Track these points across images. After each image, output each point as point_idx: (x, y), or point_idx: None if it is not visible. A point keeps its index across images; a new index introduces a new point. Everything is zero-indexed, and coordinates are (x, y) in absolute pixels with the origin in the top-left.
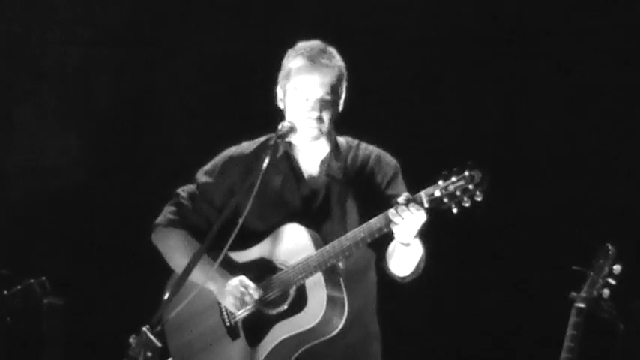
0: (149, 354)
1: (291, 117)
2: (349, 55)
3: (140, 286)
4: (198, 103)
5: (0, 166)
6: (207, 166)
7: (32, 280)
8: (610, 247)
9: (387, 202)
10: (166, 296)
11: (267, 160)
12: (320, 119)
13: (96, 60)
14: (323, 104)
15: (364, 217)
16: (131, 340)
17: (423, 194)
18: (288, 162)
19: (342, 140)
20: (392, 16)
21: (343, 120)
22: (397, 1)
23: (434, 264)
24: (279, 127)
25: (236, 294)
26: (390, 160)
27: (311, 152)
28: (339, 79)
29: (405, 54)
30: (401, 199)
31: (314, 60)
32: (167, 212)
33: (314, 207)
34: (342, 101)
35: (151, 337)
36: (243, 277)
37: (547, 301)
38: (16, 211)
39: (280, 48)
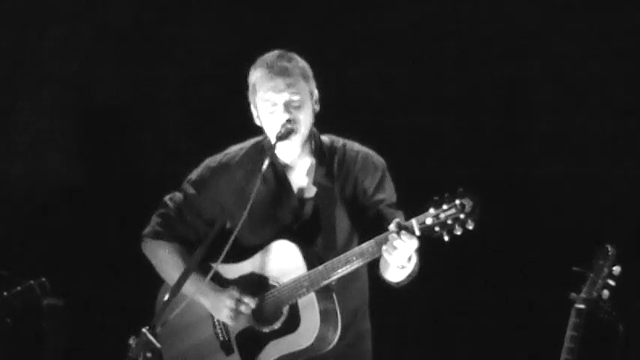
0: (149, 355)
1: (268, 130)
2: (346, 58)
3: (140, 287)
4: (197, 105)
5: (0, 166)
6: (194, 176)
7: (32, 281)
8: (610, 249)
9: (375, 207)
10: (166, 297)
11: (267, 162)
12: (293, 121)
13: (96, 60)
14: (292, 105)
15: (354, 224)
16: (131, 341)
17: (414, 222)
18: (275, 173)
19: (326, 140)
20: (389, 19)
21: (337, 126)
22: (394, 3)
23: (432, 264)
24: (280, 128)
25: (231, 305)
26: (376, 161)
27: (296, 160)
28: (304, 78)
29: (401, 58)
30: (392, 227)
31: (272, 66)
32: (155, 223)
33: (303, 218)
34: (314, 101)
35: (151, 338)
36: (236, 289)
37: (547, 302)
38: (16, 211)
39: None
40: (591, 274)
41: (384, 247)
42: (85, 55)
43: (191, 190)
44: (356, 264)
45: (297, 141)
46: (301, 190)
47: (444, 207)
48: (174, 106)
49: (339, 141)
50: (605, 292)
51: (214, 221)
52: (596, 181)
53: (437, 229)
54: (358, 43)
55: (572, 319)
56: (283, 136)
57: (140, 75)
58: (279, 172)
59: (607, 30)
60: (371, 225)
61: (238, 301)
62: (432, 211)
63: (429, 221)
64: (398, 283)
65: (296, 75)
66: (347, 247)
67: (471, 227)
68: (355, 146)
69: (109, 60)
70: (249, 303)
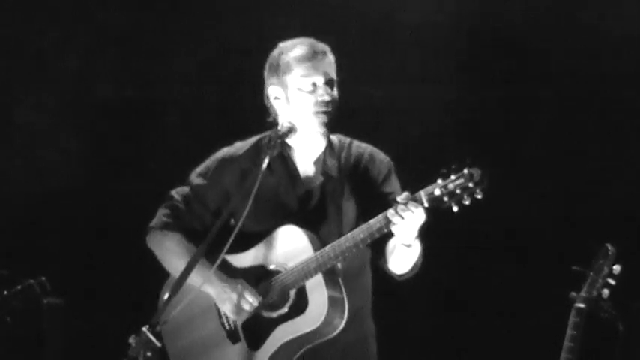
0: (149, 354)
1: (298, 110)
2: (348, 50)
3: (140, 286)
4: (198, 104)
5: (0, 166)
6: (201, 168)
7: (32, 280)
8: (610, 248)
9: (382, 200)
10: (166, 296)
11: (266, 161)
12: (333, 101)
13: (95, 60)
14: (332, 84)
15: (360, 216)
16: (131, 340)
17: (422, 193)
18: (282, 162)
19: (334, 138)
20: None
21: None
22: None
23: (433, 263)
24: (279, 127)
25: (234, 301)
26: (383, 158)
27: (305, 151)
28: (335, 63)
29: (404, 50)
30: (400, 199)
31: (313, 45)
32: (161, 215)
33: (310, 207)
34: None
35: (151, 337)
36: (242, 283)
37: (547, 301)
38: (16, 211)
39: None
40: (591, 273)
41: (392, 219)
42: (85, 54)
43: (198, 181)
44: (363, 240)
45: (327, 127)
46: (308, 180)
47: (452, 177)
48: (174, 106)
49: (347, 139)
50: (605, 291)
51: (220, 212)
52: (596, 180)
53: (446, 199)
54: (357, 40)
55: (573, 318)
56: (284, 135)
57: (140, 74)
58: (287, 160)
59: None
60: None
61: (242, 297)
62: (440, 182)
63: (437, 192)
64: (401, 276)
65: (332, 57)
66: None
67: (479, 197)
68: (363, 144)
69: (109, 59)
70: (253, 302)
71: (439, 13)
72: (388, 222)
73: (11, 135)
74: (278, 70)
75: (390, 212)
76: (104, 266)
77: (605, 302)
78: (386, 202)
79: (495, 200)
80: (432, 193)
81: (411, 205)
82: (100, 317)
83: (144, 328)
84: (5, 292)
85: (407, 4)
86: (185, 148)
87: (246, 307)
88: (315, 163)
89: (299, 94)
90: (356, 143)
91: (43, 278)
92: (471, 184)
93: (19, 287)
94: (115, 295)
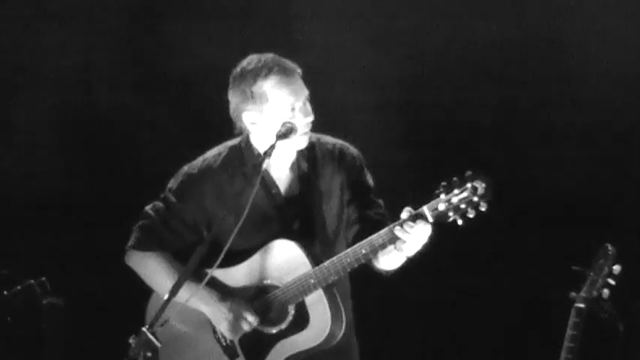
0: (149, 354)
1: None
2: (344, 53)
3: (140, 286)
4: (196, 107)
5: (0, 166)
6: (175, 185)
7: (32, 281)
8: (610, 248)
9: (359, 197)
10: (166, 296)
11: (267, 161)
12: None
13: (95, 60)
14: (308, 101)
15: (341, 215)
16: (131, 340)
17: (425, 209)
18: (258, 174)
19: None
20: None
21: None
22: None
23: (433, 264)
24: (280, 127)
25: (232, 321)
26: (352, 152)
27: (280, 160)
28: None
29: (400, 54)
30: (404, 215)
31: (284, 68)
32: (139, 234)
33: (292, 216)
34: None
35: (151, 337)
36: (238, 301)
37: (547, 301)
38: (15, 211)
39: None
40: (591, 273)
41: (400, 236)
42: (85, 54)
43: (173, 199)
44: (365, 256)
45: (307, 139)
46: (287, 189)
47: (456, 191)
48: (173, 106)
49: (313, 135)
50: (606, 292)
51: (198, 228)
52: (596, 180)
53: (450, 214)
54: (353, 40)
55: (573, 319)
56: (283, 135)
57: (139, 75)
58: (264, 172)
59: None
60: (357, 215)
61: (240, 317)
62: (443, 196)
63: (441, 207)
64: (387, 272)
65: (300, 70)
66: (337, 238)
67: (484, 209)
68: (329, 139)
69: (108, 60)
70: (252, 321)
71: None
72: (393, 238)
73: (11, 135)
74: (254, 98)
75: (397, 228)
76: (104, 266)
77: (605, 302)
78: (365, 200)
79: (495, 199)
80: (437, 208)
81: (417, 222)
82: (100, 317)
83: (144, 329)
84: (5, 292)
85: None
86: (185, 149)
87: (245, 327)
88: (290, 168)
89: (279, 121)
90: (323, 140)
91: (43, 278)
92: (475, 198)
93: (19, 287)
94: (115, 295)
